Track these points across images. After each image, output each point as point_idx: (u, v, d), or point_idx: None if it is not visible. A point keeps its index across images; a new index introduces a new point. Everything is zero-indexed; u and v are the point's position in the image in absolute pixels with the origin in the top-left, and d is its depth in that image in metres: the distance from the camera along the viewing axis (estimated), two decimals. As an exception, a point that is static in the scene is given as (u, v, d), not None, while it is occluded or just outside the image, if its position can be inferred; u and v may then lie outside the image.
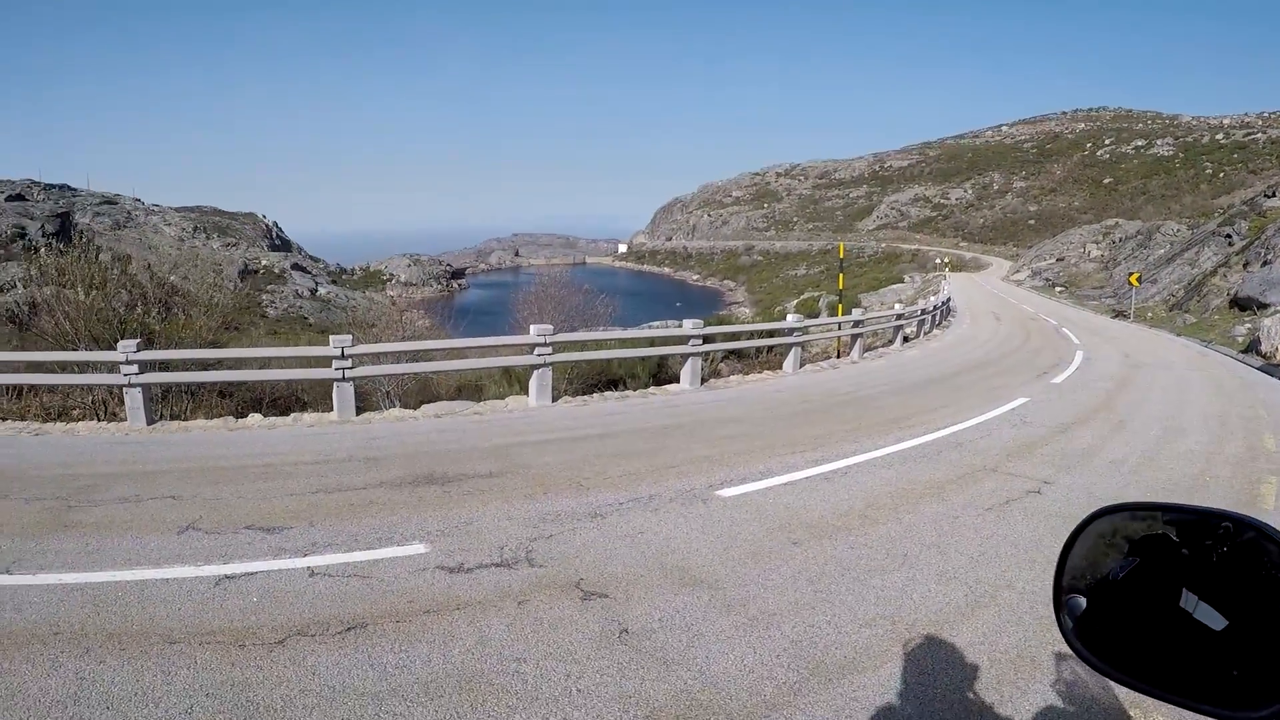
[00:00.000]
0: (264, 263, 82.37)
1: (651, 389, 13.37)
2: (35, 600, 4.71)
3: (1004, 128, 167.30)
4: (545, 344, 11.58)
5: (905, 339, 22.95)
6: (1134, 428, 10.78)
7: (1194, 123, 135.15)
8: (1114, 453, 9.19)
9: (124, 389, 10.16)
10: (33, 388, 11.64)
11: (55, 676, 3.87)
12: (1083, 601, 1.42)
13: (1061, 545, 1.41)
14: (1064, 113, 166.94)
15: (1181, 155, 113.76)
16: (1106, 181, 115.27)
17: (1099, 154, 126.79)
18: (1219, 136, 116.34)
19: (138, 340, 10.23)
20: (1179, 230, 55.96)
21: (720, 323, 18.74)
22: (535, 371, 11.67)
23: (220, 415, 11.02)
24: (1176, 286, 39.93)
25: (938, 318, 28.16)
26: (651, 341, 14.50)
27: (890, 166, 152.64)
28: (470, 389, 13.66)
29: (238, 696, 3.66)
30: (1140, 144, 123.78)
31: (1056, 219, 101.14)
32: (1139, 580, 1.32)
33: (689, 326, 13.52)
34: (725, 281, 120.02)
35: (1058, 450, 9.15)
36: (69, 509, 6.51)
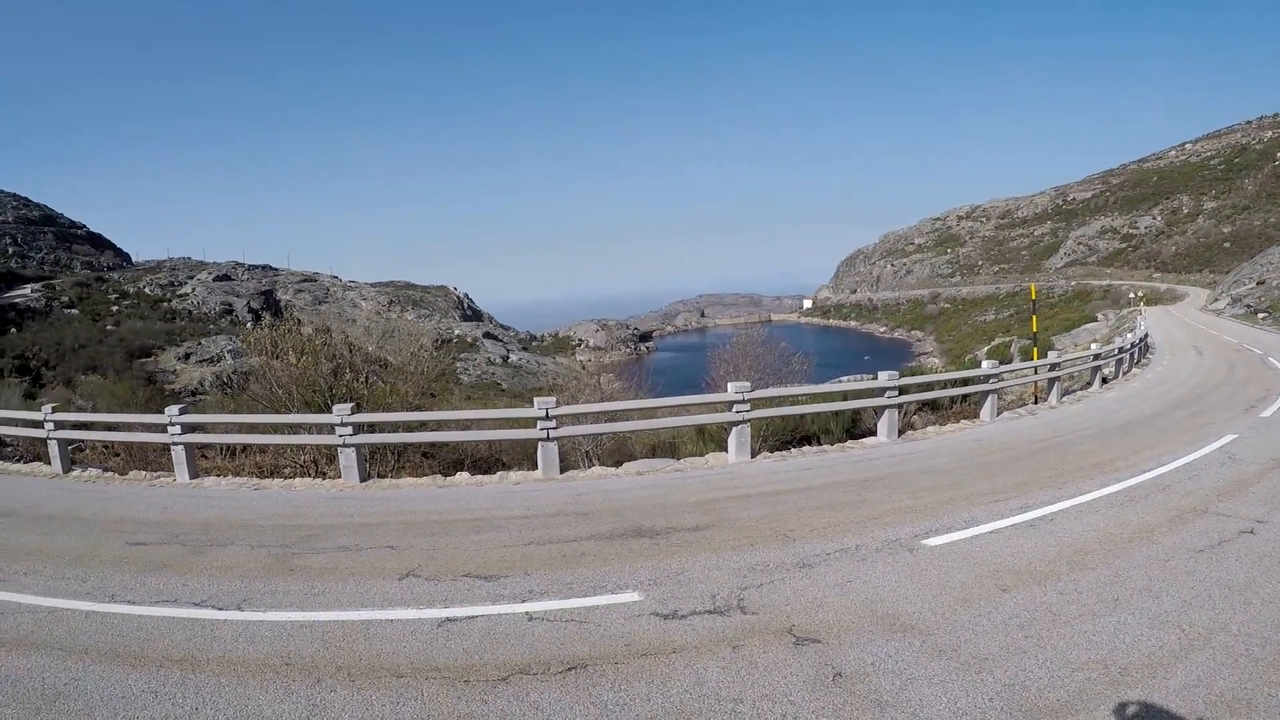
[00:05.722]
0: (457, 332, 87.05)
1: (848, 443, 13.12)
2: (266, 635, 5.13)
3: (1187, 145, 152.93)
4: (744, 401, 11.62)
5: (1104, 380, 21.81)
6: (1352, 456, 9.95)
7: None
8: (1332, 485, 8.43)
9: (339, 449, 10.88)
10: (245, 447, 12.65)
11: (288, 702, 4.20)
12: None
13: None
14: (1249, 122, 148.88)
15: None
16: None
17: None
18: None
19: (350, 404, 10.93)
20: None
21: (914, 374, 18.20)
22: (734, 428, 11.68)
23: (426, 474, 11.58)
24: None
25: (1136, 356, 26.88)
26: (845, 395, 14.20)
27: (1074, 199, 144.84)
28: (664, 448, 13.79)
29: (466, 727, 3.79)
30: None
31: (1253, 239, 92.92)
32: None
33: (884, 378, 13.19)
34: (913, 332, 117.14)
35: (1271, 487, 8.79)
36: (293, 555, 7.08)
